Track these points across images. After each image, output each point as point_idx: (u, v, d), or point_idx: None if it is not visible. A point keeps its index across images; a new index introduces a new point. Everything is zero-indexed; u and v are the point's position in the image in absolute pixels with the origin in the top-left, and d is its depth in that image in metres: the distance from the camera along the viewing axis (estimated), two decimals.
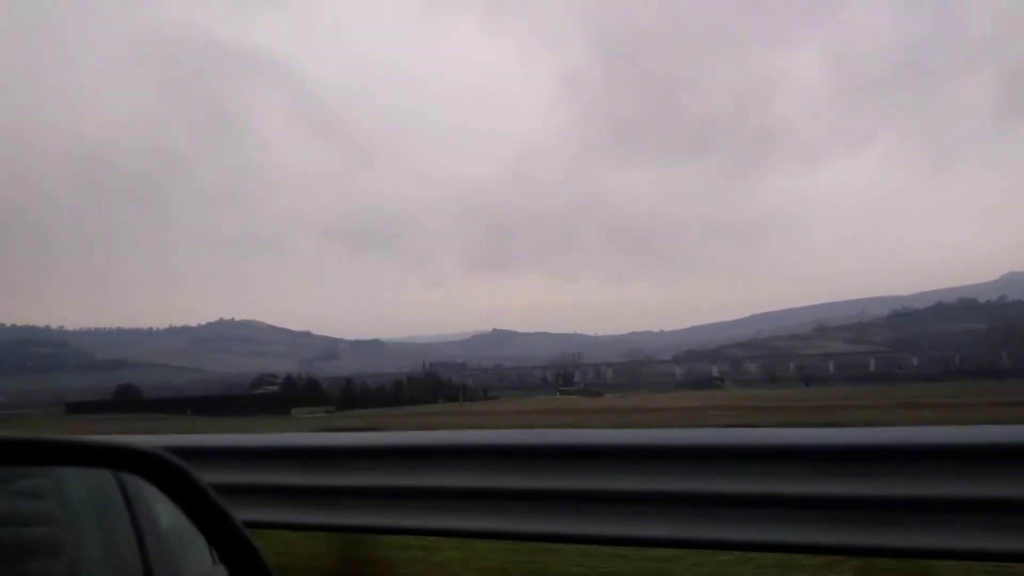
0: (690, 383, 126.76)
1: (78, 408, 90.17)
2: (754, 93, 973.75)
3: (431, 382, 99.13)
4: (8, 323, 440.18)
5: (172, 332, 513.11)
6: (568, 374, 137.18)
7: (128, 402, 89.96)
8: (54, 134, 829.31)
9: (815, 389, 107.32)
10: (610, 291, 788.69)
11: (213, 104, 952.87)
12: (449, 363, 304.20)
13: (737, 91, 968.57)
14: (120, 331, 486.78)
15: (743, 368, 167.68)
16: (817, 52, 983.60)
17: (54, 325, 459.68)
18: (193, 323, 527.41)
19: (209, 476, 4.07)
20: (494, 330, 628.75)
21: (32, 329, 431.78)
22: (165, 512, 1.52)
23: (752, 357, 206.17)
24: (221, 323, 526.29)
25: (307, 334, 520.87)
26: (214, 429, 50.43)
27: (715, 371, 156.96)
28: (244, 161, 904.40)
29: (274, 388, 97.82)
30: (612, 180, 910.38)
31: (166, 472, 1.41)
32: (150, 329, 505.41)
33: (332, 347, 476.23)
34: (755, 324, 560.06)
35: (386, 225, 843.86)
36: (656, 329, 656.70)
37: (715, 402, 67.68)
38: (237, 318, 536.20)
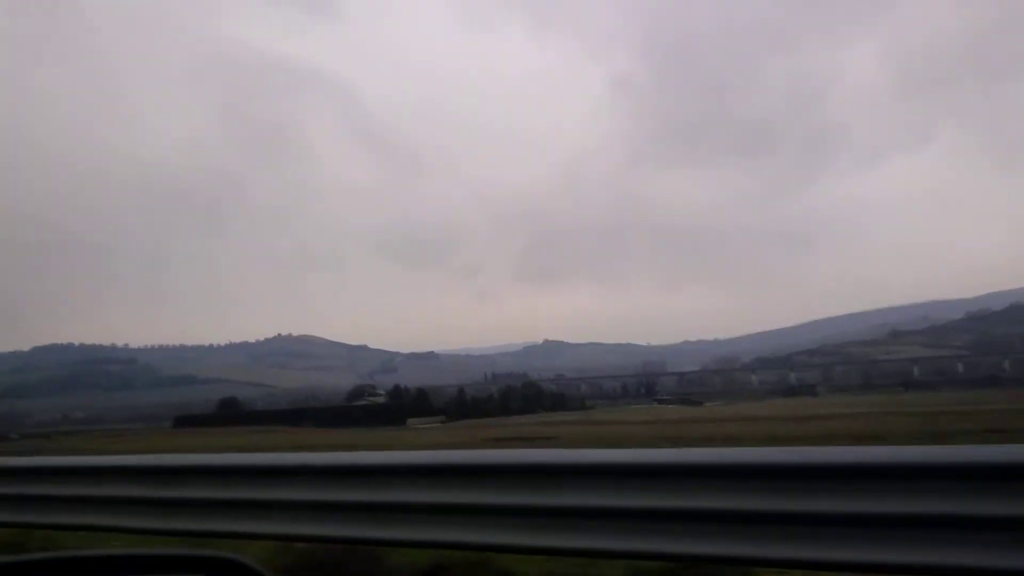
0: (780, 391, 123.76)
1: (187, 421, 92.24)
2: (809, 93, 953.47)
3: (531, 392, 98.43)
4: (79, 343, 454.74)
5: (232, 348, 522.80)
6: (649, 383, 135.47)
7: (233, 415, 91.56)
8: (118, 160, 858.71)
9: (915, 394, 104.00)
10: (661, 300, 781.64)
11: (269, 122, 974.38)
12: (511, 374, 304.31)
13: (791, 92, 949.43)
14: (182, 348, 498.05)
15: (831, 374, 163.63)
16: (875, 49, 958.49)
17: (120, 343, 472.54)
18: (252, 339, 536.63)
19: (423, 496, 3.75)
20: (545, 341, 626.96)
21: (102, 348, 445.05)
22: None
23: (828, 364, 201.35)
24: (279, 338, 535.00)
25: (363, 348, 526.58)
26: (346, 441, 50.67)
27: (793, 378, 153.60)
28: (299, 178, 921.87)
29: (379, 399, 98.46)
30: (663, 186, 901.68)
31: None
32: (210, 345, 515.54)
33: (389, 360, 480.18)
34: (814, 330, 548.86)
35: (437, 238, 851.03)
36: (710, 337, 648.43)
37: (830, 410, 65.89)
38: (294, 333, 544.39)
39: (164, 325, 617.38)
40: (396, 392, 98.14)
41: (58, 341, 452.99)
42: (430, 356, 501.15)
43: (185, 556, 1.63)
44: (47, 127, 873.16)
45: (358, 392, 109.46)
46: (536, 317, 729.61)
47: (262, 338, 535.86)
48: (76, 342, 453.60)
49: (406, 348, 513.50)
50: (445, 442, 41.33)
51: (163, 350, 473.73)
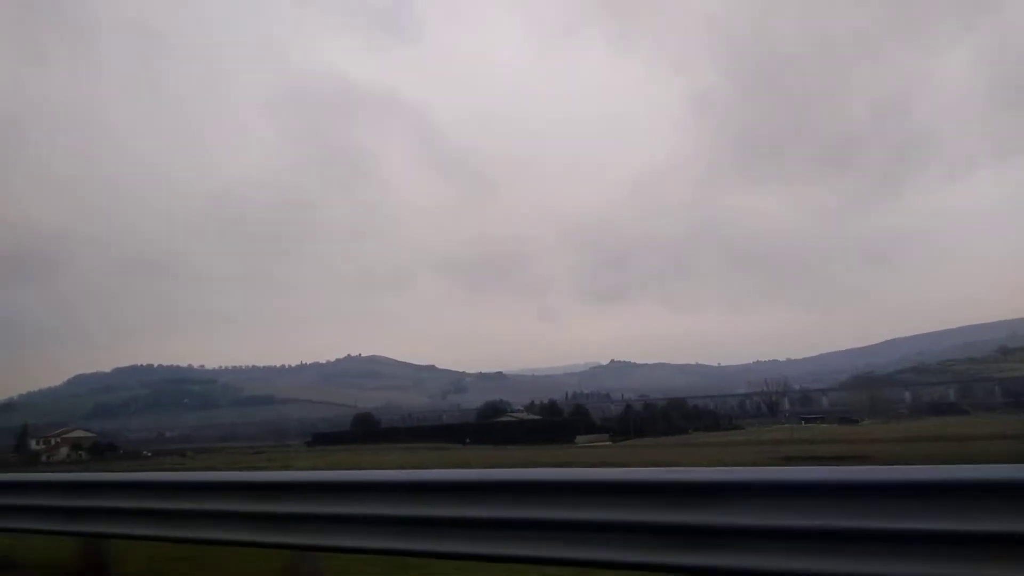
0: (924, 410, 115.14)
1: (324, 439, 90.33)
2: (895, 103, 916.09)
3: (682, 411, 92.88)
4: (157, 363, 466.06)
5: (303, 369, 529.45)
6: (774, 402, 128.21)
7: (369, 432, 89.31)
8: (194, 186, 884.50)
9: None
10: (730, 319, 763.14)
11: (341, 146, 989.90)
12: (593, 394, 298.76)
13: (877, 101, 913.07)
14: (255, 368, 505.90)
15: (944, 393, 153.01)
16: (967, 54, 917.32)
17: (196, 364, 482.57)
18: (322, 360, 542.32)
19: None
20: (612, 361, 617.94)
21: (179, 368, 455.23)
22: None
23: (935, 383, 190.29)
24: (349, 359, 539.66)
25: (431, 368, 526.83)
26: (524, 458, 46.76)
27: (902, 396, 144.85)
28: (369, 200, 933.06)
29: (522, 415, 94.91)
30: (737, 203, 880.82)
31: None
32: (283, 366, 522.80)
33: (458, 380, 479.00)
34: (893, 349, 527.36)
35: (503, 257, 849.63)
36: (783, 357, 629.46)
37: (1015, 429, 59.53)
38: (363, 354, 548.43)
39: (236, 346, 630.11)
40: (552, 408, 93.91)
41: (138, 362, 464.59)
42: (498, 376, 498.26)
43: None
44: (127, 155, 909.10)
45: (492, 409, 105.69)
46: (602, 337, 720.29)
47: (332, 359, 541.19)
48: (155, 363, 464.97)
49: (472, 368, 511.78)
50: (660, 460, 37.15)
51: (237, 371, 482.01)
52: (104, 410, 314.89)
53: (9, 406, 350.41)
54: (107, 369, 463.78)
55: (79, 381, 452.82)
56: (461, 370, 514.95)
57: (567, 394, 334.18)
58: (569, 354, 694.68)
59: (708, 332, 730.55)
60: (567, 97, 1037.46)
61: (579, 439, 66.28)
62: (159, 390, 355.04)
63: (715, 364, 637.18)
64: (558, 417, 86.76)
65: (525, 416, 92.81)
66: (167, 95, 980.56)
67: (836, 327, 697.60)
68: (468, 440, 69.62)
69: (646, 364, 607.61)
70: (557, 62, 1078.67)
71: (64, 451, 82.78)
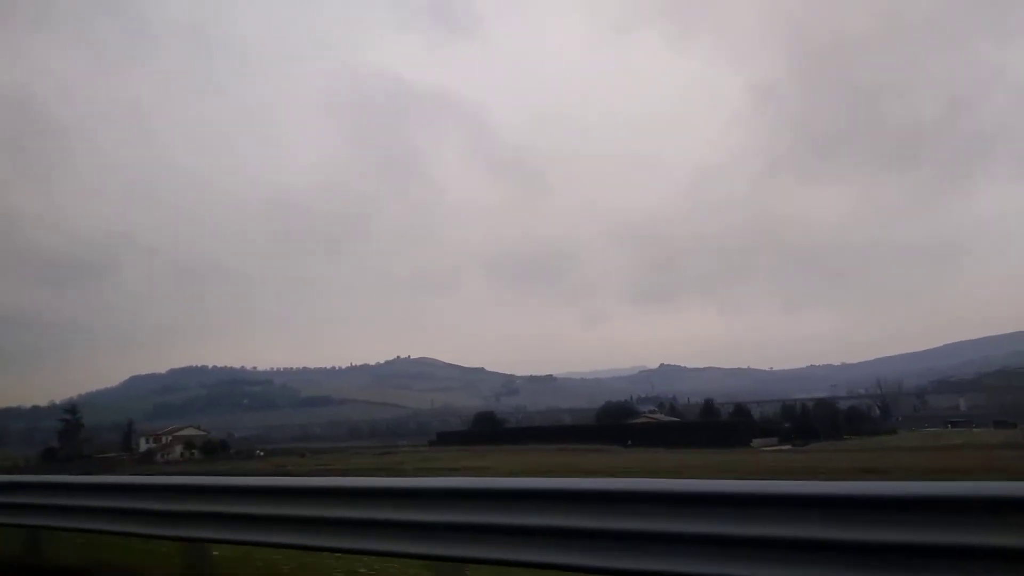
0: None
1: (447, 439, 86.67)
2: (967, 95, 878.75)
3: (832, 413, 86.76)
4: (212, 365, 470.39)
5: (353, 370, 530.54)
6: (884, 405, 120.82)
7: (494, 432, 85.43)
8: (249, 188, 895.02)
9: None
10: (782, 322, 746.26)
11: (396, 147, 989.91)
12: (647, 398, 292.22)
13: (948, 93, 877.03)
14: (306, 370, 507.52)
15: None
16: None
17: (248, 366, 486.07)
18: (372, 361, 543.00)
19: None
20: (662, 365, 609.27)
21: (233, 370, 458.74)
22: None
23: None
24: (398, 361, 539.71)
25: (480, 370, 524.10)
26: (698, 462, 41.86)
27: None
28: (421, 201, 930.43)
29: (658, 415, 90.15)
30: (797, 201, 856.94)
31: None
32: (333, 368, 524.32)
33: (508, 383, 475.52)
34: (956, 353, 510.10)
35: (553, 259, 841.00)
36: (837, 362, 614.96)
37: None
38: (412, 356, 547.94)
39: (287, 348, 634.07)
40: (709, 409, 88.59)
41: (193, 363, 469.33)
42: (548, 379, 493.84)
43: None
44: (182, 158, 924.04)
45: (618, 409, 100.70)
46: (650, 340, 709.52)
47: (382, 360, 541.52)
48: (209, 364, 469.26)
49: (520, 371, 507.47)
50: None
51: (289, 372, 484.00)
52: (165, 410, 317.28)
53: (75, 405, 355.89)
54: (162, 370, 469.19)
55: (135, 382, 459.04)
56: (510, 372, 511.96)
57: (631, 397, 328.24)
58: (616, 358, 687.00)
59: (759, 335, 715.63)
60: (623, 93, 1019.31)
61: (755, 443, 61.15)
62: (218, 391, 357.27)
63: (767, 368, 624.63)
64: (715, 419, 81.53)
65: (663, 417, 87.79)
66: (222, 98, 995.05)
67: (894, 330, 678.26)
68: (630, 442, 65.07)
69: (696, 368, 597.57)
70: (613, 57, 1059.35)
71: (178, 450, 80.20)
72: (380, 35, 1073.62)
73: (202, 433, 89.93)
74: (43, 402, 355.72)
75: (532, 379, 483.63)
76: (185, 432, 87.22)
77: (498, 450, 67.89)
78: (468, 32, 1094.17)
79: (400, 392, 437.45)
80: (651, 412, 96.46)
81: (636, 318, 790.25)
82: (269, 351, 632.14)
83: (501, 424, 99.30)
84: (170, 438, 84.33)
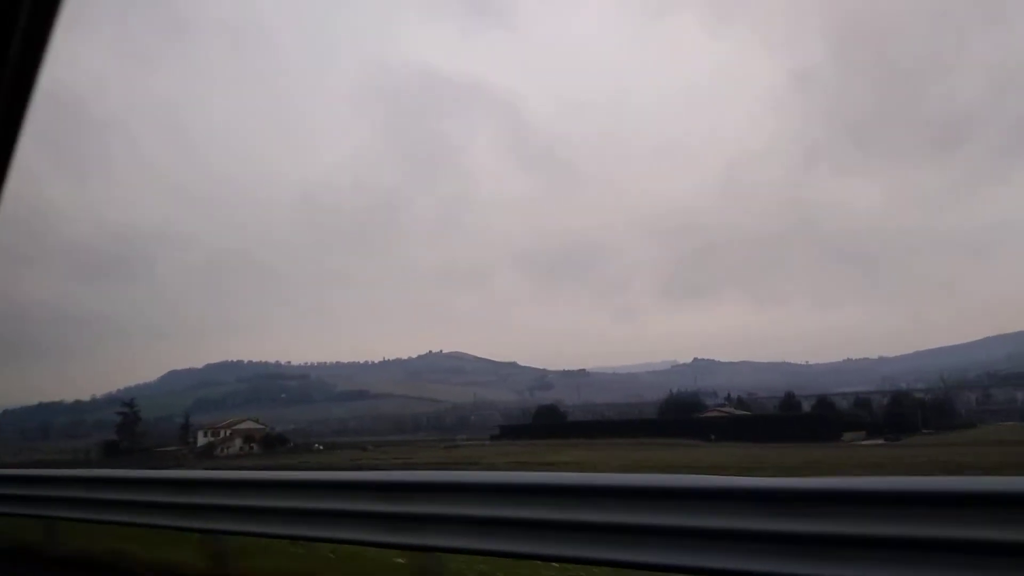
0: None
1: (509, 432, 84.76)
2: (1014, 76, 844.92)
3: (909, 406, 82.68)
4: (247, 360, 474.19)
5: (386, 365, 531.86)
6: (947, 398, 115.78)
7: (557, 426, 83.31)
8: (281, 183, 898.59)
9: None
10: (818, 316, 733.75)
11: (427, 139, 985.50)
12: (702, 391, 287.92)
13: (996, 73, 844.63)
14: (339, 364, 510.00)
15: None
16: None
17: (282, 360, 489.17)
18: (404, 356, 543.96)
19: None
20: (695, 359, 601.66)
21: (267, 364, 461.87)
22: None
23: None
24: (430, 355, 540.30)
25: (512, 364, 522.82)
26: (800, 459, 39.12)
27: None
28: (453, 194, 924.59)
29: (727, 409, 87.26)
30: (833, 190, 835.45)
31: None
32: (365, 362, 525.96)
33: (541, 377, 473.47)
34: (996, 346, 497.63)
35: (583, 252, 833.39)
36: (875, 355, 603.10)
37: None
38: (444, 350, 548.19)
39: (321, 343, 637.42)
40: (789, 403, 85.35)
41: (229, 359, 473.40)
42: (581, 374, 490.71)
43: None
44: (216, 153, 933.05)
45: (684, 403, 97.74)
46: (683, 334, 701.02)
47: (414, 355, 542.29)
48: (245, 359, 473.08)
49: (552, 365, 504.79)
50: None
51: (323, 367, 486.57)
52: (204, 404, 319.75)
53: (117, 399, 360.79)
54: (199, 365, 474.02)
55: (172, 377, 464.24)
56: (542, 367, 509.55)
57: (671, 391, 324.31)
58: (647, 352, 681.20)
59: (793, 328, 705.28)
60: (656, 81, 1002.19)
61: (847, 436, 58.14)
62: (255, 385, 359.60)
63: (803, 362, 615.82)
64: (795, 411, 78.46)
65: (733, 411, 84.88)
66: (254, 93, 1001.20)
67: (931, 323, 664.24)
68: (713, 436, 62.48)
69: (731, 362, 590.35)
70: (647, 44, 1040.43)
71: (238, 443, 79.13)
72: (411, 25, 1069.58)
73: (260, 427, 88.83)
74: (84, 396, 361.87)
75: (565, 374, 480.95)
76: (243, 426, 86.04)
77: (571, 444, 65.55)
78: (501, 20, 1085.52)
79: (434, 386, 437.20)
80: (720, 406, 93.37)
81: (667, 312, 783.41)
82: (301, 346, 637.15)
83: (564, 417, 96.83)
84: (229, 432, 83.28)
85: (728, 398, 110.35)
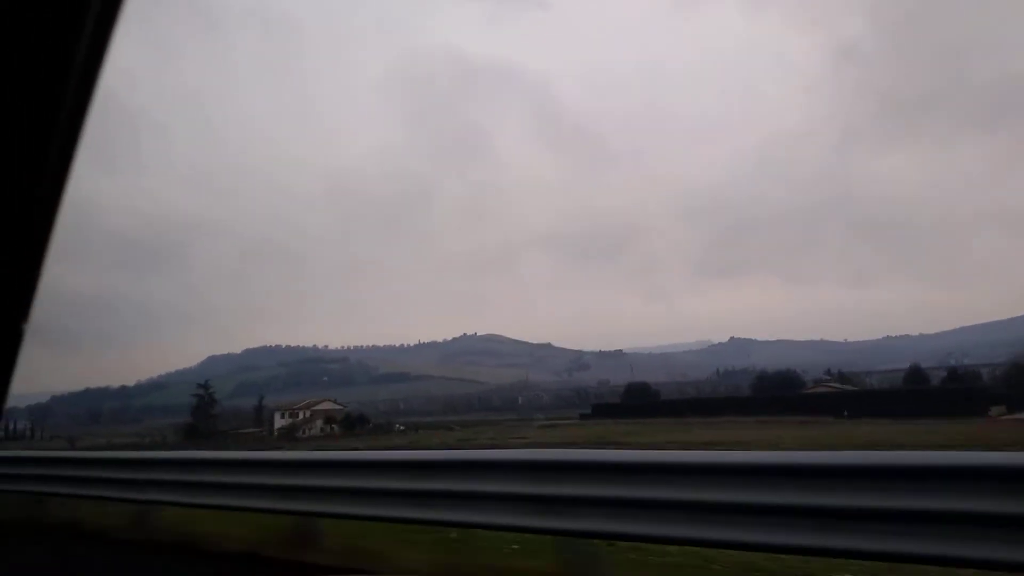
0: None
1: (602, 411, 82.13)
2: None
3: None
4: (285, 344, 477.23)
5: (420, 348, 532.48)
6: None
7: (651, 405, 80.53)
8: (314, 169, 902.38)
9: None
10: (855, 294, 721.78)
11: (458, 123, 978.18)
12: (742, 370, 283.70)
13: None
14: (375, 348, 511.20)
15: None
16: None
17: (319, 345, 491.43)
18: (439, 339, 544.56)
19: None
20: (731, 339, 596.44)
21: (304, 349, 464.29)
22: None
23: None
24: (464, 338, 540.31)
25: (547, 346, 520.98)
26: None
27: None
28: (484, 178, 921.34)
29: (832, 384, 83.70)
30: (874, 168, 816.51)
31: None
32: (401, 346, 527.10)
33: (578, 358, 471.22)
34: None
35: (617, 232, 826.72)
36: (915, 332, 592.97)
37: None
38: (479, 333, 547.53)
39: (356, 327, 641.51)
40: (916, 375, 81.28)
41: (267, 344, 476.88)
42: (618, 354, 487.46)
43: None
44: (251, 142, 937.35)
45: (782, 379, 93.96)
46: (719, 314, 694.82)
47: (448, 338, 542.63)
48: (283, 344, 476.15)
49: (587, 346, 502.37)
50: None
51: (359, 351, 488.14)
52: (246, 388, 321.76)
53: (161, 384, 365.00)
54: (238, 351, 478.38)
55: (212, 362, 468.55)
56: (578, 348, 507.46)
57: (718, 370, 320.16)
58: (680, 332, 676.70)
59: (831, 307, 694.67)
60: (692, 59, 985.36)
61: (995, 410, 54.66)
62: (297, 369, 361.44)
63: (841, 340, 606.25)
64: (923, 385, 74.74)
65: (840, 387, 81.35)
66: (287, 82, 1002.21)
67: (971, 300, 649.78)
68: (847, 412, 59.26)
69: (767, 341, 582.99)
70: (683, 20, 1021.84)
71: (319, 424, 77.34)
72: (441, 10, 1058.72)
73: (339, 407, 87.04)
74: (129, 382, 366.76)
75: (602, 354, 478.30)
76: (322, 406, 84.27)
77: (673, 424, 62.67)
78: (535, 1, 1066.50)
79: (470, 368, 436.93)
80: (823, 381, 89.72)
81: (700, 291, 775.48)
82: (336, 331, 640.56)
83: (656, 396, 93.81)
84: (308, 412, 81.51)
85: (829, 372, 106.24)
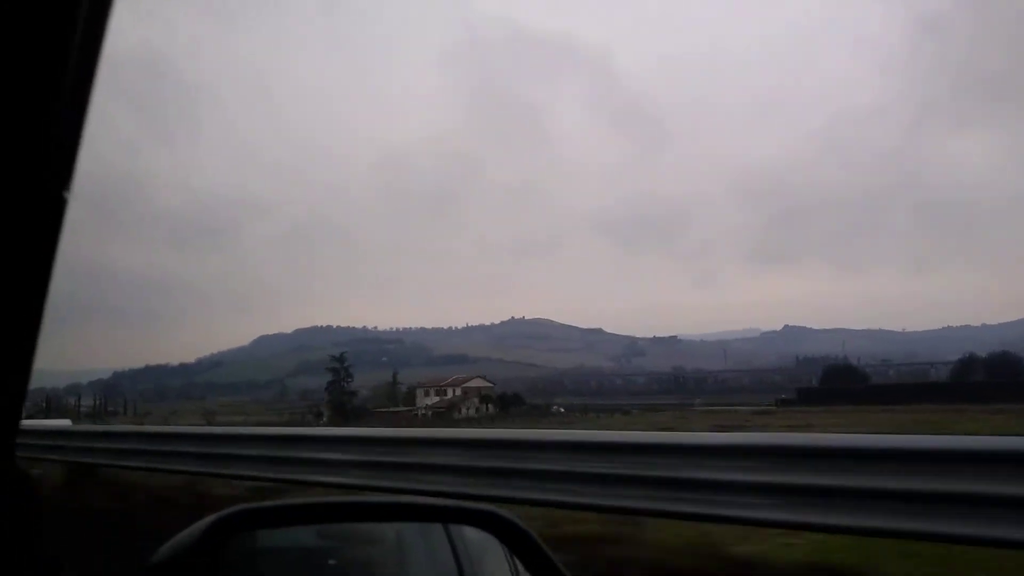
0: None
1: (808, 397, 74.22)
2: None
3: None
4: (335, 325, 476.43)
5: (469, 331, 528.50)
6: None
7: (856, 390, 72.75)
8: (363, 146, 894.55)
9: None
10: (915, 281, 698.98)
11: (514, 101, 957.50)
12: (819, 357, 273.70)
13: None
14: (423, 330, 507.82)
15: None
16: None
17: (369, 326, 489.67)
18: (487, 322, 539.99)
19: None
20: (785, 327, 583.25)
21: (354, 330, 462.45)
22: (470, 530, 1.88)
23: None
24: (513, 321, 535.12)
25: (598, 331, 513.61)
26: None
27: None
28: (537, 159, 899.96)
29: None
30: (946, 149, 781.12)
31: (507, 528, 1.76)
32: (450, 328, 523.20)
33: (632, 344, 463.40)
34: None
35: (670, 216, 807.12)
36: (977, 323, 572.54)
37: None
38: (527, 317, 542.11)
39: (402, 308, 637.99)
40: None
41: (318, 324, 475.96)
42: (673, 340, 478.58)
43: (452, 508, 1.88)
44: (304, 114, 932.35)
45: (998, 363, 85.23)
46: (769, 301, 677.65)
47: (497, 321, 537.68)
48: (334, 324, 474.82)
49: (638, 332, 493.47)
50: None
51: (408, 332, 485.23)
52: (307, 367, 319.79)
53: (218, 362, 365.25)
54: (288, 331, 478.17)
55: (263, 342, 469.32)
56: (628, 334, 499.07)
57: (796, 358, 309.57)
58: (731, 319, 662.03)
59: (888, 295, 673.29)
60: (760, 31, 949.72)
61: None
62: (354, 349, 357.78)
63: (899, 330, 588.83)
64: None
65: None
66: (345, 54, 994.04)
67: None
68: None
69: (823, 329, 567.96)
70: None
71: (475, 403, 70.72)
72: None
73: (489, 384, 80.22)
74: (186, 359, 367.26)
75: (656, 340, 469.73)
76: (473, 383, 77.47)
77: (885, 411, 54.96)
78: None
79: (523, 351, 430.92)
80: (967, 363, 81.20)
81: (755, 278, 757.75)
82: (384, 312, 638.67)
83: (864, 380, 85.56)
84: (457, 390, 74.87)
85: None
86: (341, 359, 78.21)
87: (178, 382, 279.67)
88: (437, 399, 73.97)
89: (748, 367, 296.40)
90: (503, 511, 1.75)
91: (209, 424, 44.00)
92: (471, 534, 1.86)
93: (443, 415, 66.77)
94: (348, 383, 76.67)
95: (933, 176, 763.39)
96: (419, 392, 77.92)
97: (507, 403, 71.56)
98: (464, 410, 68.23)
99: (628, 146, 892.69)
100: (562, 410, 71.28)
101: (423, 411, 70.93)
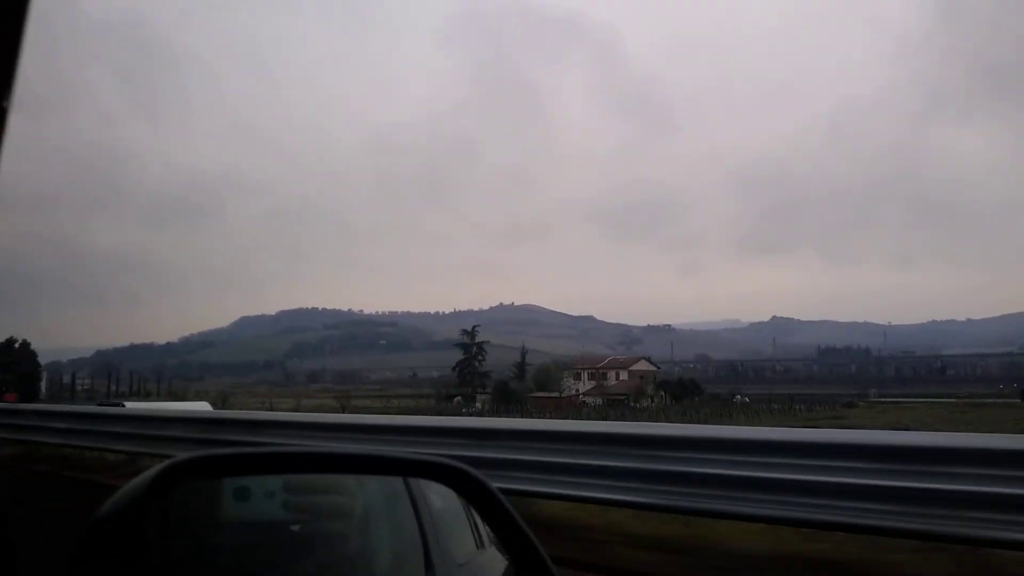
0: None
1: None
2: None
3: None
4: (321, 307, 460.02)
5: (456, 316, 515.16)
6: None
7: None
8: (356, 125, 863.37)
9: None
10: (900, 276, 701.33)
11: (515, 81, 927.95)
12: (844, 349, 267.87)
13: None
14: (409, 314, 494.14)
15: None
16: None
17: (355, 309, 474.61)
18: (475, 307, 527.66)
19: None
20: (773, 318, 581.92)
21: (348, 313, 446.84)
22: (436, 499, 1.90)
23: None
24: (501, 307, 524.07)
25: (589, 318, 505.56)
26: None
27: None
28: (534, 142, 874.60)
29: None
30: (951, 142, 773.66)
31: (468, 483, 1.72)
32: (436, 313, 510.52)
33: (626, 332, 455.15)
34: None
35: (663, 204, 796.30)
36: (961, 317, 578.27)
37: None
38: (516, 303, 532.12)
39: (387, 291, 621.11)
40: None
41: (303, 306, 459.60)
42: (666, 329, 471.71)
43: (414, 461, 1.85)
44: (297, 91, 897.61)
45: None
46: (757, 292, 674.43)
47: (485, 307, 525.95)
48: (319, 307, 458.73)
49: (628, 320, 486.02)
50: None
51: (394, 316, 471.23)
52: (301, 349, 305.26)
53: (208, 343, 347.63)
54: (271, 312, 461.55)
55: (245, 323, 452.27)
56: (618, 322, 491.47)
57: (819, 348, 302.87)
58: (718, 309, 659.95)
59: (874, 289, 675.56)
60: (769, 20, 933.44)
61: None
62: (348, 332, 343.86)
63: (885, 323, 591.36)
64: None
65: None
66: (344, 26, 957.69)
67: (1017, 284, 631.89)
68: None
69: (811, 321, 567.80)
70: None
71: (649, 391, 58.93)
72: None
73: (654, 368, 68.30)
74: (173, 338, 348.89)
75: (650, 329, 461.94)
76: (638, 366, 65.48)
77: None
78: None
79: (514, 338, 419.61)
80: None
81: (743, 269, 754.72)
82: (371, 295, 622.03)
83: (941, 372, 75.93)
84: (623, 374, 62.91)
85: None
86: (472, 334, 65.75)
87: (171, 362, 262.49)
88: (592, 384, 62.32)
89: (758, 357, 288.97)
90: (467, 466, 1.67)
91: (344, 411, 32.30)
92: (438, 503, 1.85)
93: (616, 404, 54.98)
94: (480, 362, 64.26)
95: (930, 170, 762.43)
96: (565, 375, 66.01)
97: (683, 391, 60.06)
98: (639, 399, 56.70)
99: (628, 132, 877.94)
100: (746, 400, 60.07)
101: (585, 398, 59.15)
